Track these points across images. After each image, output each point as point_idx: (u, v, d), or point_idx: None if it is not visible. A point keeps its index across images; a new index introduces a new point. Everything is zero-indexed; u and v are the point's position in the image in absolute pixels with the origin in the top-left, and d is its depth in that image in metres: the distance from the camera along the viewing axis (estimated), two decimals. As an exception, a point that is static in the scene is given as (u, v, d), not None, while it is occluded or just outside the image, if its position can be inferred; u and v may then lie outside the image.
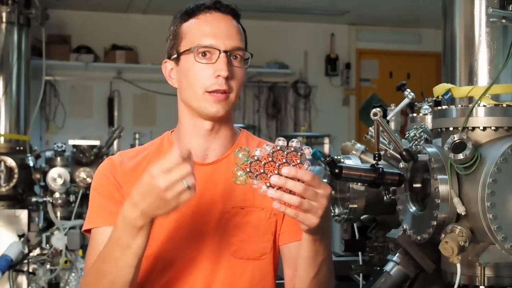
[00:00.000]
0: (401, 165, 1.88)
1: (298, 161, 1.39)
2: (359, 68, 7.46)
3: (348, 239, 2.75)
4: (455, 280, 1.69)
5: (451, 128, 1.76)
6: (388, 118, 2.17)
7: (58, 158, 4.09)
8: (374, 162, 1.77)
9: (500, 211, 1.62)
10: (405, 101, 2.21)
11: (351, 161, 2.18)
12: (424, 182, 1.83)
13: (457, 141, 1.67)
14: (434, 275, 1.94)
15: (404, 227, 1.86)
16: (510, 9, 1.73)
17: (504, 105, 1.71)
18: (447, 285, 1.80)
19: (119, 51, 6.56)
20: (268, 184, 1.38)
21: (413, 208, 1.85)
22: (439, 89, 1.80)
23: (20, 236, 3.82)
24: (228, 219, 1.66)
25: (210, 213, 1.66)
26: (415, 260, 1.92)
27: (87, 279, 1.59)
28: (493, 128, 1.71)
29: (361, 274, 2.45)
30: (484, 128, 1.71)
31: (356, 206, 2.19)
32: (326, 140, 6.85)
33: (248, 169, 1.39)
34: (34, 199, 4.03)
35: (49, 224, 4.00)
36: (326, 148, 6.78)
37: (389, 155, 2.05)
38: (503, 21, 1.74)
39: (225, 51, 1.62)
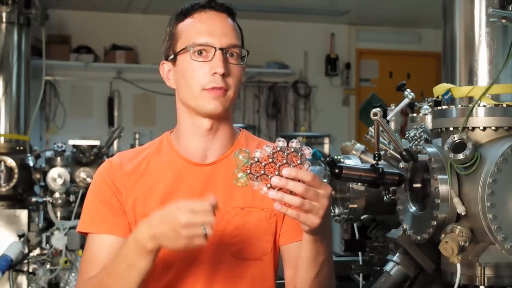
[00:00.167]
0: (401, 165, 1.88)
1: (299, 162, 1.39)
2: (359, 68, 7.46)
3: (348, 239, 2.75)
4: (455, 280, 1.69)
5: (451, 128, 1.76)
6: (388, 118, 2.17)
7: (58, 158, 4.09)
8: (374, 162, 1.77)
9: (500, 211, 1.62)
10: (405, 101, 2.21)
11: (351, 161, 2.18)
12: (424, 182, 1.83)
13: (457, 141, 1.67)
14: (434, 275, 1.94)
15: (404, 227, 1.86)
16: (510, 9, 1.73)
17: (504, 105, 1.71)
18: (447, 285, 1.80)
19: (119, 51, 6.56)
20: (269, 185, 1.39)
21: (413, 208, 1.85)
22: (439, 89, 1.80)
23: (20, 236, 3.82)
24: (228, 219, 1.66)
25: (210, 213, 1.66)
26: (415, 260, 1.92)
27: None
28: (493, 128, 1.71)
29: (361, 274, 2.45)
30: (484, 128, 1.71)
31: (356, 206, 2.19)
32: (326, 140, 6.85)
33: (248, 171, 1.40)
34: (34, 199, 4.03)
35: (49, 224, 4.00)
36: (326, 148, 6.78)
37: (389, 155, 2.05)
38: (503, 21, 1.75)
39: (221, 49, 1.62)
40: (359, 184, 2.08)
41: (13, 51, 4.23)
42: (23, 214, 3.95)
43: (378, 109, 1.78)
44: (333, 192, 2.26)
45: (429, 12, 6.40)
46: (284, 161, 1.39)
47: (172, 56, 1.68)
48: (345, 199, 2.23)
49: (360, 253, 2.52)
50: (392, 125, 2.33)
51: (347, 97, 7.36)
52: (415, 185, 1.87)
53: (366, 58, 7.51)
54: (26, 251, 3.88)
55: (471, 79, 1.76)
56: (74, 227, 3.92)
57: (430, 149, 1.77)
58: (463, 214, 1.68)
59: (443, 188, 1.71)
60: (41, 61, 4.59)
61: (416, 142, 1.93)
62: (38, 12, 4.30)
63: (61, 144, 4.16)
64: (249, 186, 1.40)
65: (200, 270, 1.65)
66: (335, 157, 2.13)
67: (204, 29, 1.64)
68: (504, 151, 1.62)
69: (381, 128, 1.81)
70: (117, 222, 1.66)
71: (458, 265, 1.68)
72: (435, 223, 1.71)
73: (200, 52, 1.63)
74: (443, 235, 1.68)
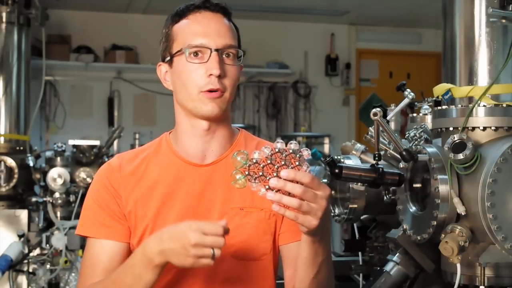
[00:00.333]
0: (401, 165, 1.88)
1: (297, 163, 1.39)
2: (359, 68, 7.46)
3: (348, 239, 2.75)
4: (455, 280, 1.69)
5: (451, 128, 1.75)
6: (388, 118, 2.17)
7: (58, 158, 4.09)
8: (374, 162, 1.77)
9: (500, 211, 1.62)
10: (405, 101, 2.21)
11: (351, 161, 2.18)
12: (424, 182, 1.83)
13: (457, 141, 1.66)
14: (434, 275, 1.94)
15: (404, 227, 1.86)
16: (510, 9, 1.73)
17: (504, 105, 1.71)
18: (447, 285, 1.80)
19: (119, 51, 6.56)
20: (267, 187, 1.39)
21: (413, 208, 1.85)
22: (439, 89, 1.80)
23: (20, 236, 3.82)
24: (227, 220, 1.66)
25: (209, 214, 1.66)
26: (415, 260, 1.92)
27: None
28: (493, 128, 1.71)
29: (361, 274, 2.45)
30: (484, 128, 1.71)
31: (356, 206, 2.19)
32: (326, 140, 6.85)
33: (247, 172, 1.40)
34: (34, 199, 4.03)
35: (49, 224, 4.00)
36: (326, 148, 6.78)
37: (389, 155, 2.05)
38: (503, 21, 1.74)
39: (217, 50, 1.61)
40: (359, 184, 2.08)
41: (13, 51, 4.23)
42: (23, 214, 3.95)
43: (378, 109, 1.78)
44: (333, 192, 2.26)
45: (429, 12, 6.40)
46: (283, 163, 1.39)
47: (168, 58, 1.68)
48: (345, 199, 2.23)
49: (360, 253, 2.52)
50: (392, 125, 2.33)
51: (347, 97, 7.36)
52: (415, 185, 1.87)
53: (366, 58, 7.51)
54: (26, 251, 3.88)
55: (471, 79, 1.76)
56: (74, 227, 3.91)
57: (430, 149, 1.77)
58: (463, 214, 1.68)
59: (443, 188, 1.71)
60: (41, 61, 4.59)
61: (416, 142, 1.93)
62: (38, 12, 4.30)
63: (61, 144, 4.15)
64: (248, 187, 1.40)
65: (200, 270, 1.64)
66: (335, 157, 2.13)
67: (199, 30, 1.63)
68: (504, 151, 1.62)
69: (381, 128, 1.80)
70: (116, 227, 1.67)
71: (458, 265, 1.67)
72: (435, 223, 1.71)
73: (196, 54, 1.63)
74: (443, 235, 1.68)
